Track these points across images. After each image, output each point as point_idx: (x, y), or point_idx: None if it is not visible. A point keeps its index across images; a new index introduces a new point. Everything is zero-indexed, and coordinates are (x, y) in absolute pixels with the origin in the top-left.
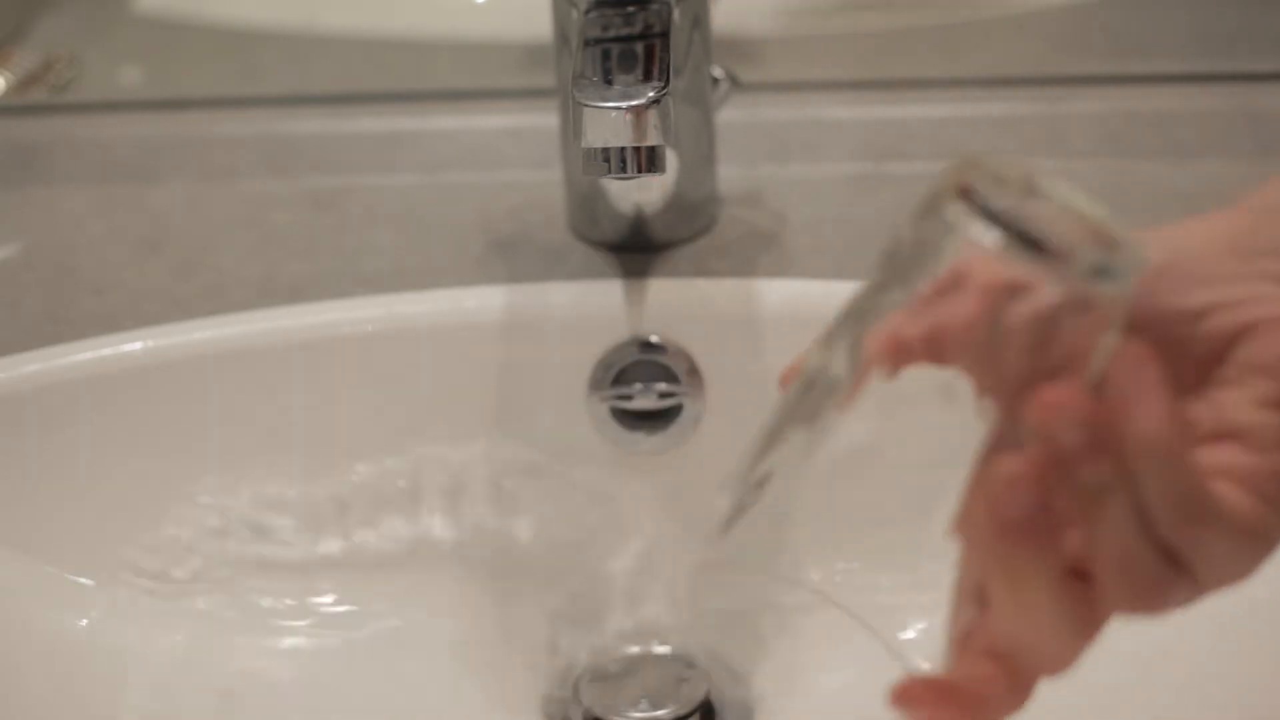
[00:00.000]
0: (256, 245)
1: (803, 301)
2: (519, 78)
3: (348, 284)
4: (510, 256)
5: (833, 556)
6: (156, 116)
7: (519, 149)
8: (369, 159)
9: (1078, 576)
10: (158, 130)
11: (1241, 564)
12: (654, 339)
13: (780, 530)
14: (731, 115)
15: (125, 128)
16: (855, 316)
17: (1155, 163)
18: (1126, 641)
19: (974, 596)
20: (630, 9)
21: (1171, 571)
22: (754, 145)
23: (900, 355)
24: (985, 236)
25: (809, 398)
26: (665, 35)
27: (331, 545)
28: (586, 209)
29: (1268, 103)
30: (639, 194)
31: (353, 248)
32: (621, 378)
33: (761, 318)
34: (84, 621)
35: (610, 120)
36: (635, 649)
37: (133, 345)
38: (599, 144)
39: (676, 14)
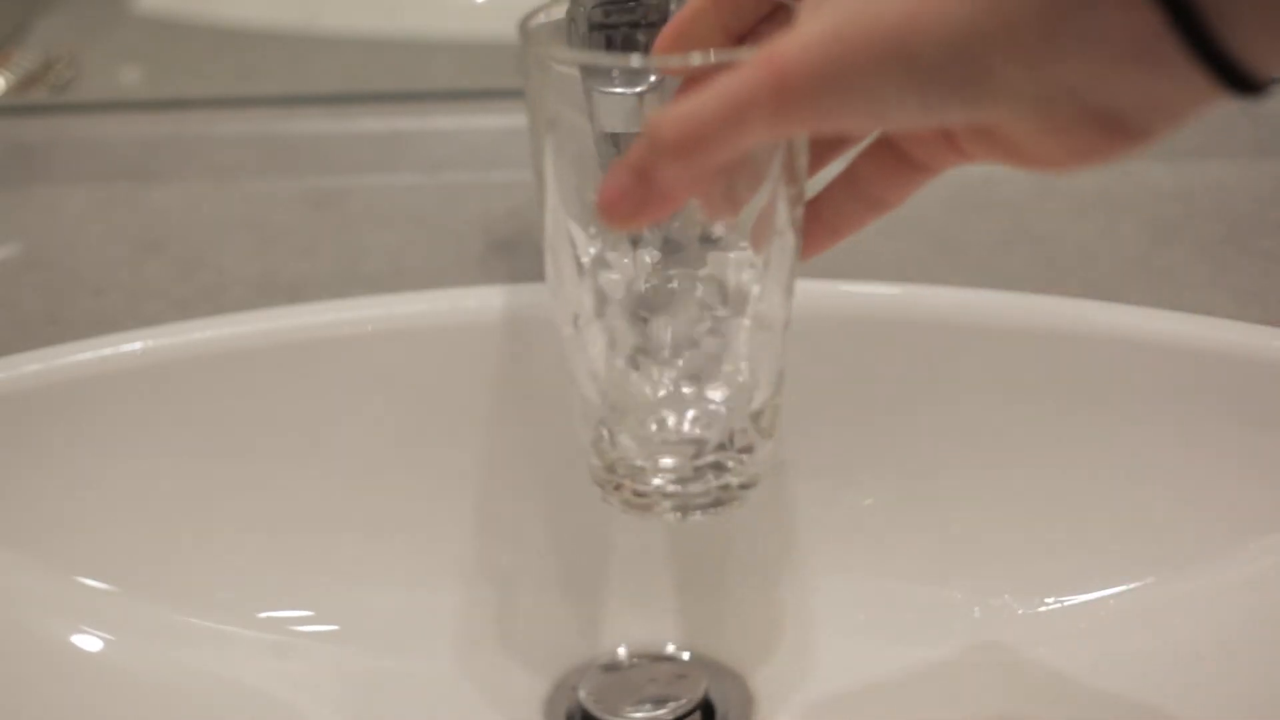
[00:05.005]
0: (256, 245)
1: (801, 300)
2: (519, 78)
3: (348, 284)
4: (510, 256)
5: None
6: (156, 116)
7: (519, 149)
8: (369, 159)
9: None
10: (158, 130)
11: None
12: None
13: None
14: None
15: (125, 128)
16: None
17: (1155, 163)
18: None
19: None
20: (630, 2)
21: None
22: None
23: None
24: None
25: None
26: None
27: (331, 544)
28: None
29: (1268, 103)
30: None
31: (353, 248)
32: None
33: None
34: (83, 623)
35: (620, 103)
36: (636, 649)
37: (133, 345)
38: (610, 129)
39: (674, 6)
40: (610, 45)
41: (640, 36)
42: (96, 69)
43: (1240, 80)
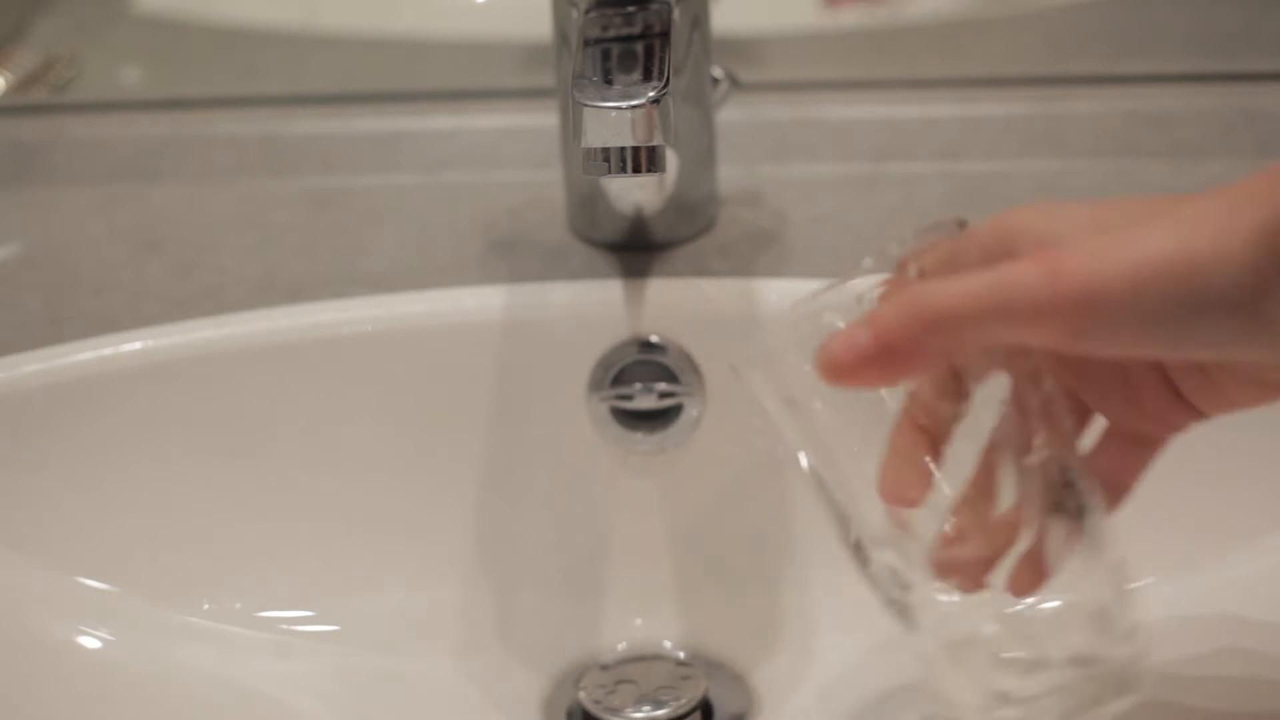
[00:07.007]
0: (256, 245)
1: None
2: (519, 78)
3: (347, 284)
4: (510, 256)
5: None
6: (156, 116)
7: (519, 149)
8: (369, 159)
9: None
10: (158, 130)
11: None
12: (654, 339)
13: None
14: (731, 115)
15: (125, 128)
16: None
17: (1155, 163)
18: None
19: None
20: (630, 9)
21: None
22: (754, 145)
23: None
24: None
25: None
26: (665, 35)
27: (330, 544)
28: (586, 209)
29: (1268, 103)
30: (639, 194)
31: (353, 248)
32: (621, 378)
33: (762, 317)
34: (83, 623)
35: (610, 120)
36: (635, 649)
37: (133, 345)
38: (599, 144)
39: (676, 14)
40: (607, 60)
41: (639, 50)
42: (96, 69)
43: None
